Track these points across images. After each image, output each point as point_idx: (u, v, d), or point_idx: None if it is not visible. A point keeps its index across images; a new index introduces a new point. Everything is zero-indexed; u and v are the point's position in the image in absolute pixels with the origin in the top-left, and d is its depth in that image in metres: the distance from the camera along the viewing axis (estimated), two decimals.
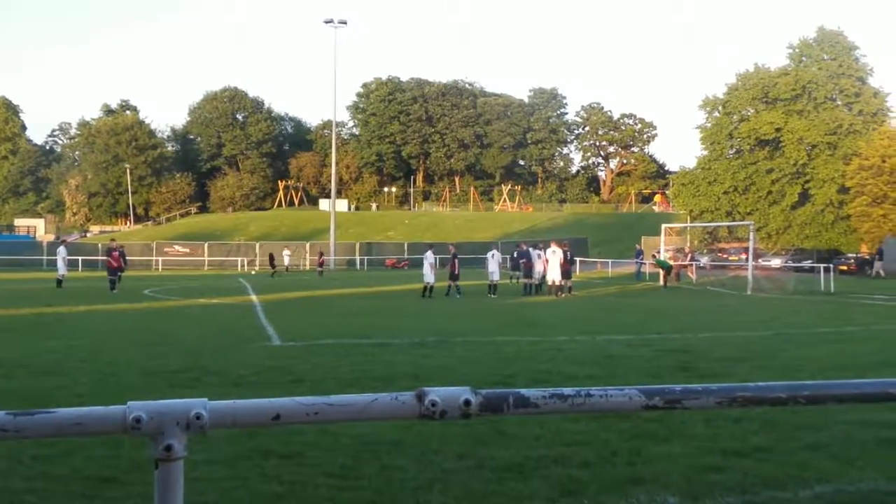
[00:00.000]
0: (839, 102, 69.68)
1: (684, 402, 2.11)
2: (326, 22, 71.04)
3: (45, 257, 70.45)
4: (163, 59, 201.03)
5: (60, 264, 36.28)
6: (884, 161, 60.68)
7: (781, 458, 6.66)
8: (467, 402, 1.97)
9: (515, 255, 37.80)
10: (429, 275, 30.43)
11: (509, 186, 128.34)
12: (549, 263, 31.08)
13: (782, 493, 5.81)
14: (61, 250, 37.00)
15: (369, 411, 1.97)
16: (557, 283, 30.65)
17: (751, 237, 40.54)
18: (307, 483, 6.09)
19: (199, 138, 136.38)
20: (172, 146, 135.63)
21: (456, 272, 31.54)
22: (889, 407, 6.86)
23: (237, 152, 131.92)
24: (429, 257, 30.90)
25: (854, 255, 58.77)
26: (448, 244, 42.77)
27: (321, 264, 57.55)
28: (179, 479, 1.87)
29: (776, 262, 57.04)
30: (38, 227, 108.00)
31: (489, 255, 33.40)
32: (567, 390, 2.05)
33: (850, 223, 65.21)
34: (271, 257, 57.79)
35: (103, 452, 6.74)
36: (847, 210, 64.94)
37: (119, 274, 34.13)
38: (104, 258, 35.17)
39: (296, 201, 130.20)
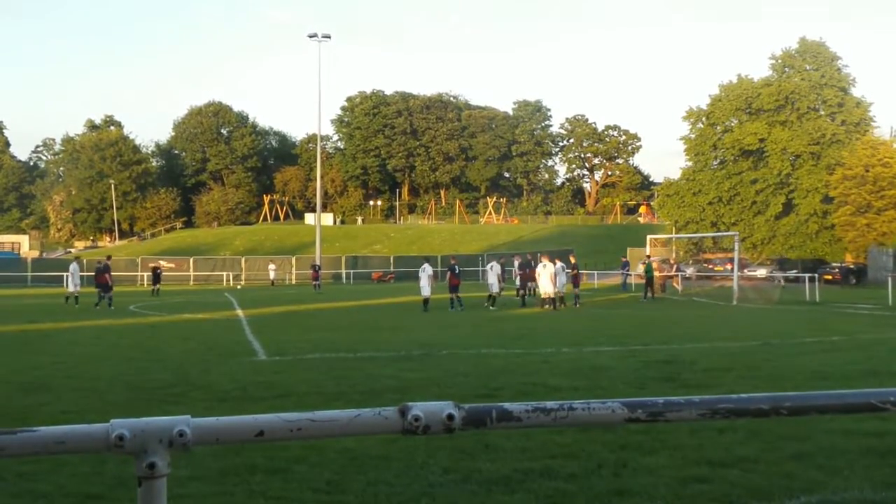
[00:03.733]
0: (822, 112, 70.07)
1: (667, 414, 2.11)
2: (310, 36, 71.17)
3: (29, 274, 70.20)
4: (147, 74, 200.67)
5: (70, 281, 36.12)
6: (867, 171, 61.03)
7: (767, 469, 6.68)
8: (450, 417, 1.96)
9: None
10: (426, 288, 30.39)
11: (494, 199, 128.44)
12: (541, 277, 31.10)
13: (768, 503, 5.82)
14: (74, 267, 36.77)
15: (352, 427, 1.97)
16: (550, 294, 30.67)
17: (736, 247, 40.67)
18: (293, 498, 6.08)
19: (183, 153, 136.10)
20: (157, 161, 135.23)
21: (456, 283, 31.54)
22: (873, 416, 6.88)
23: (222, 167, 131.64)
24: (427, 270, 30.88)
25: (839, 265, 59.08)
26: (449, 256, 42.56)
27: (316, 278, 57.16)
28: (162, 496, 1.86)
29: (761, 272, 57.31)
30: (23, 244, 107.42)
31: (489, 266, 33.67)
32: (550, 404, 2.06)
33: (834, 233, 65.51)
34: (155, 271, 49.62)
35: (88, 469, 6.71)
36: (831, 220, 65.22)
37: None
38: (94, 274, 34.89)
39: (281, 216, 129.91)
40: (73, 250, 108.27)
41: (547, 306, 30.34)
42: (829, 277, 52.31)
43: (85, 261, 52.49)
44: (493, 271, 33.05)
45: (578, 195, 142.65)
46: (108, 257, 39.10)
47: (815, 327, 21.84)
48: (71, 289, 35.72)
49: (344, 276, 73.44)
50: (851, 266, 58.34)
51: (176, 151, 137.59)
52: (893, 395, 2.16)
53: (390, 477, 6.56)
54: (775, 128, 69.14)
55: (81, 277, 37.32)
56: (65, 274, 65.70)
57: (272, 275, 65.42)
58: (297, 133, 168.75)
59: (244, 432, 1.95)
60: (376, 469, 6.78)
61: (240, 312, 29.62)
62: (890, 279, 33.23)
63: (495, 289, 32.64)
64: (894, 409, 2.15)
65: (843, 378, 12.05)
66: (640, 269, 41.52)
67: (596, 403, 2.09)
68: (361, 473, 6.67)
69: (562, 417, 2.05)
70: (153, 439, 1.84)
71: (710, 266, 61.30)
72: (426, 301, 30.16)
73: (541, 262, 31.58)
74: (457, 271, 32.15)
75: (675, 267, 47.35)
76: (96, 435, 1.84)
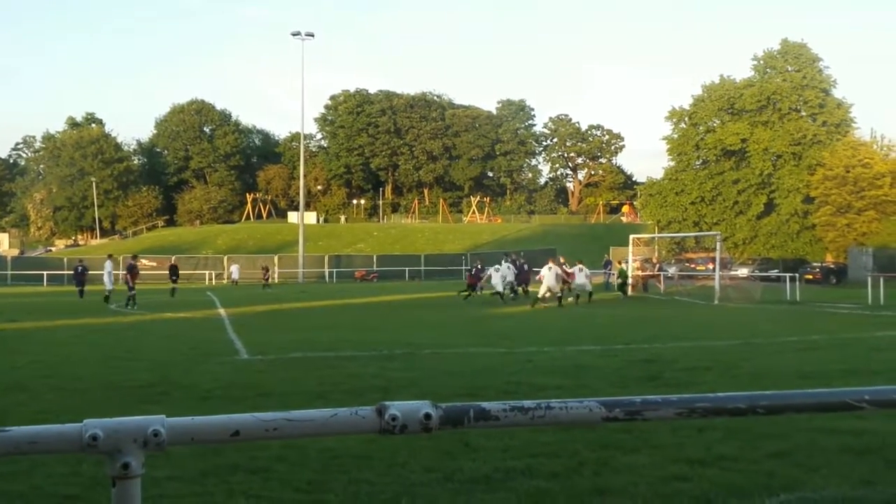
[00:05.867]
0: (803, 113, 70.47)
1: (644, 413, 2.11)
2: (294, 34, 71.02)
3: (9, 272, 69.75)
4: (129, 71, 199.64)
5: (107, 279, 35.88)
6: (847, 171, 61.49)
7: (746, 467, 6.71)
8: (428, 416, 1.96)
9: (479, 266, 39.73)
10: (498, 284, 34.35)
11: (478, 198, 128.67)
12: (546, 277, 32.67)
13: (748, 501, 5.84)
14: (108, 265, 36.52)
15: (329, 426, 1.96)
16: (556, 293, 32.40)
17: (717, 247, 40.82)
18: (274, 498, 6.06)
19: (165, 151, 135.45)
20: (139, 159, 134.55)
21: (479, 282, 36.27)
22: (853, 414, 6.92)
23: (205, 165, 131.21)
24: (503, 268, 35.12)
25: (820, 265, 59.46)
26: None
27: (266, 278, 56.76)
28: (137, 497, 1.84)
29: (743, 272, 57.53)
30: (3, 242, 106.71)
31: (499, 266, 36.17)
32: (527, 403, 2.05)
33: (815, 232, 65.95)
34: (172, 269, 47.63)
35: (64, 469, 6.66)
36: (812, 220, 65.68)
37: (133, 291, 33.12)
38: (124, 273, 34.59)
39: (264, 214, 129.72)
40: (53, 248, 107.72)
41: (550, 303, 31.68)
42: (810, 277, 52.61)
43: (65, 259, 51.86)
44: (498, 273, 35.07)
45: (562, 194, 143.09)
46: (135, 256, 38.79)
47: (796, 326, 21.94)
48: (108, 287, 35.53)
49: (327, 274, 73.29)
50: (832, 266, 58.72)
51: (158, 149, 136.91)
52: (868, 393, 2.17)
53: (371, 476, 6.55)
54: (757, 128, 69.52)
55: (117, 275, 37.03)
56: (44, 273, 65.95)
57: (235, 275, 64.49)
58: (280, 131, 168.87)
59: (219, 432, 1.93)
60: (357, 468, 6.77)
61: (221, 311, 29.52)
62: (869, 279, 33.47)
63: (499, 287, 34.68)
64: (869, 407, 2.16)
65: (822, 377, 12.11)
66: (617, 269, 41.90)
67: (573, 403, 2.08)
68: (342, 472, 6.66)
69: (539, 417, 2.05)
70: (127, 439, 1.82)
71: (693, 265, 61.49)
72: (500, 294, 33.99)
73: (515, 262, 34.99)
74: (473, 272, 37.00)
75: (657, 266, 47.45)
76: (69, 435, 1.82)
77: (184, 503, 5.92)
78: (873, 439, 7.55)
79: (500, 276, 34.57)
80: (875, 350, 16.05)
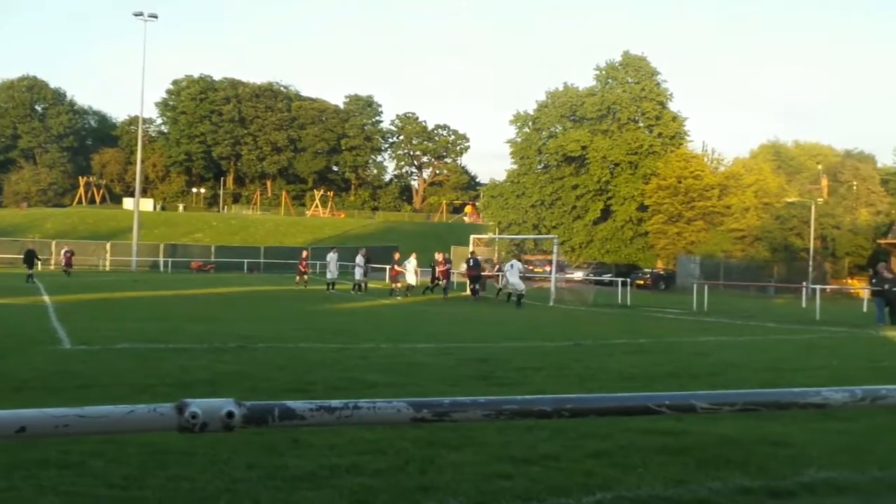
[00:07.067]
0: (641, 124, 73.20)
1: (452, 414, 2.11)
2: (136, 14, 68.71)
3: None
4: None
5: None
6: (679, 182, 64.33)
7: (568, 466, 6.86)
8: (230, 415, 1.90)
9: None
10: (411, 276, 36.06)
11: (322, 192, 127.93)
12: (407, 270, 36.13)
13: (566, 499, 5.97)
14: None
15: (125, 424, 1.88)
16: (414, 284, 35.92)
17: (555, 250, 41.87)
18: (86, 494, 5.80)
19: None
20: None
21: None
22: (671, 416, 7.21)
23: (35, 145, 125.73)
24: (412, 261, 36.37)
25: (650, 271, 61.91)
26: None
27: (69, 263, 54.32)
28: None
29: (578, 275, 59.27)
30: None
31: (406, 262, 37.12)
32: (334, 403, 2.03)
33: (647, 240, 68.61)
34: (29, 254, 44.42)
35: None
36: (645, 227, 68.31)
37: None
38: None
39: (97, 199, 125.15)
40: None
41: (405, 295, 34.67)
42: (641, 282, 54.72)
43: None
44: (410, 265, 36.77)
45: (406, 192, 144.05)
46: None
47: (625, 330, 22.69)
48: None
49: (162, 264, 71.20)
50: (662, 272, 61.25)
51: None
52: (668, 398, 2.25)
53: (192, 472, 6.36)
54: (597, 136, 71.71)
55: None
56: None
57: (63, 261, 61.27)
58: (118, 114, 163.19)
59: (3, 428, 1.82)
60: (178, 464, 6.56)
61: (46, 298, 28.23)
62: (695, 286, 35.07)
63: (412, 281, 36.80)
64: (668, 412, 2.24)
65: (647, 379, 12.55)
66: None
67: (381, 403, 2.07)
68: (162, 468, 6.44)
69: (346, 416, 2.02)
70: None
71: (530, 267, 62.78)
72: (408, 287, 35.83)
73: (411, 258, 36.73)
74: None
75: (496, 267, 48.23)
76: None
77: None
78: (689, 440, 7.86)
79: (411, 268, 36.52)
80: (696, 354, 16.77)
